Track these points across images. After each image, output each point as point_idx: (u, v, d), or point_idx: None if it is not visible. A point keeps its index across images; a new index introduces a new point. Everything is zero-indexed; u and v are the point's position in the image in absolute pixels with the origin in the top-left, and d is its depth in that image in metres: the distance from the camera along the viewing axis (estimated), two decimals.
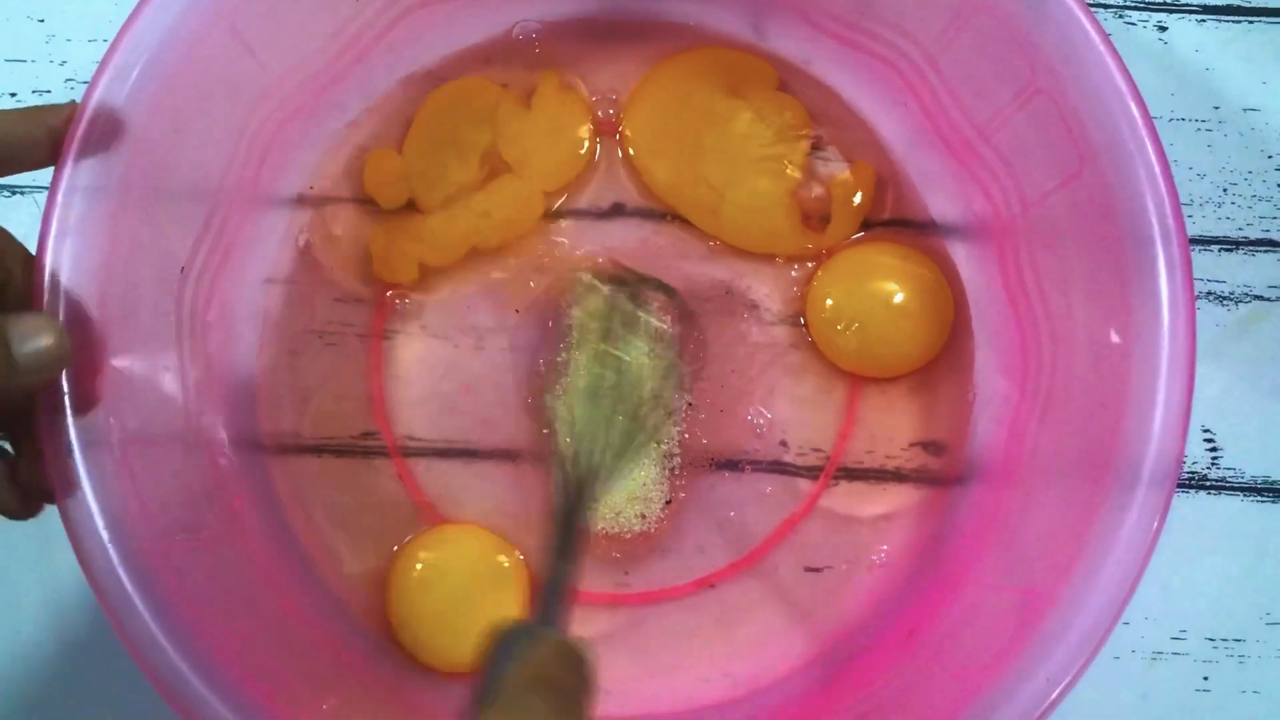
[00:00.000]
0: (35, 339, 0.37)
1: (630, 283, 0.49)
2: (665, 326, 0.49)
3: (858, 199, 0.52)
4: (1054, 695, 0.39)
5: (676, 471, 0.51)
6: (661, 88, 0.53)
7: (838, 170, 0.53)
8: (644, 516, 0.51)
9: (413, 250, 0.52)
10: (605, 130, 0.53)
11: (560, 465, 0.43)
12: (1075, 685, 0.39)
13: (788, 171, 0.52)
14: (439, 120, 0.52)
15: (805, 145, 0.52)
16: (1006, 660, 0.40)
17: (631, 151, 0.53)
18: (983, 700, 0.40)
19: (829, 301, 0.51)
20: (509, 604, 0.50)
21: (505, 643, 0.37)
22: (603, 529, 0.51)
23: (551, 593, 0.40)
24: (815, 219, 0.52)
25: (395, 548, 0.51)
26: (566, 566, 0.40)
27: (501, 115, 0.52)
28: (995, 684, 0.40)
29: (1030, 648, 0.40)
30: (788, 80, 0.53)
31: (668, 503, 0.51)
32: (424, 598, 0.50)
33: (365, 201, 0.53)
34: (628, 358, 0.46)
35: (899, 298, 0.51)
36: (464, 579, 0.50)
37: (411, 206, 0.52)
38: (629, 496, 0.50)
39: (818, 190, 0.53)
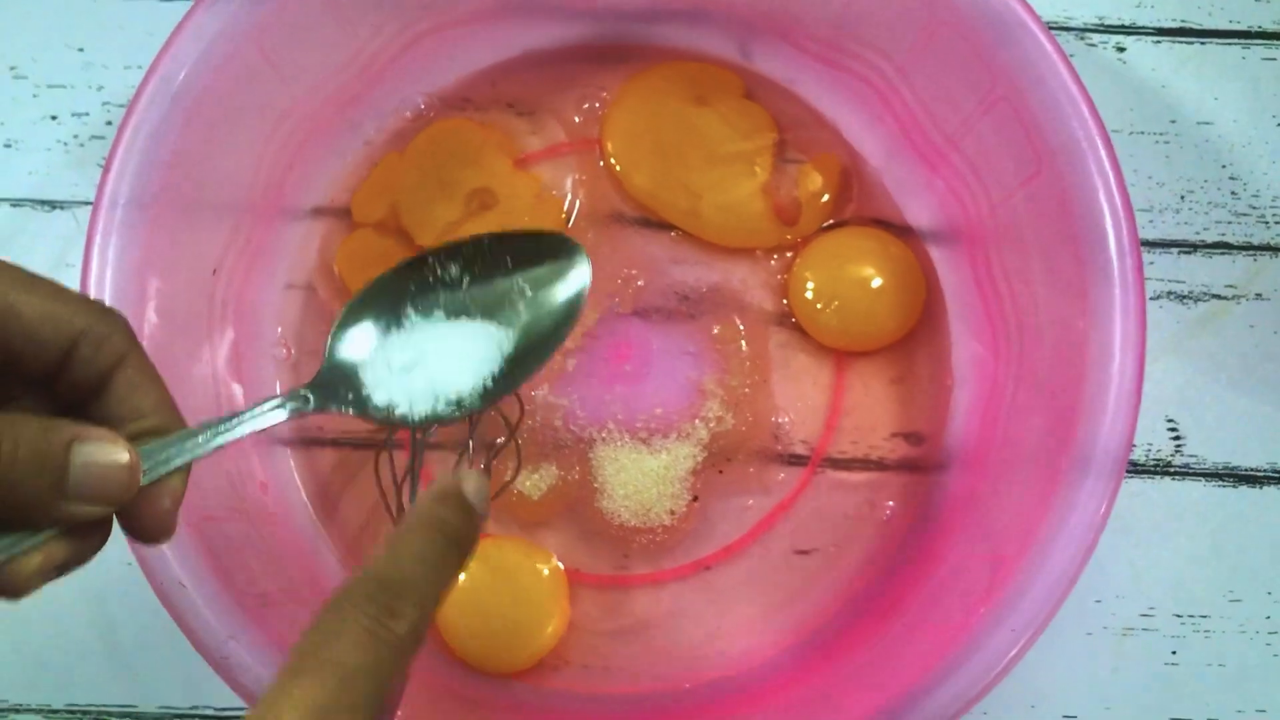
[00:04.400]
0: (104, 455, 0.29)
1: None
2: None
3: (824, 194, 0.56)
4: (1019, 645, 0.42)
5: (699, 469, 0.54)
6: (635, 101, 0.57)
7: (804, 165, 0.56)
8: (673, 512, 0.54)
9: None
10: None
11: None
12: (1039, 638, 0.43)
13: (756, 170, 0.56)
14: (426, 160, 0.56)
15: (770, 144, 0.56)
16: (976, 619, 0.43)
17: (613, 162, 0.56)
18: (956, 651, 0.43)
19: (810, 284, 0.55)
20: (551, 609, 0.52)
21: None
22: (634, 524, 0.54)
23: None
24: (787, 212, 0.56)
25: None
26: None
27: (487, 159, 0.56)
28: (967, 637, 0.43)
29: (997, 605, 0.43)
30: (763, 93, 0.57)
31: (695, 499, 0.54)
32: (471, 606, 0.52)
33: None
34: None
35: (873, 276, 0.54)
36: (509, 588, 0.52)
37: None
38: (659, 495, 0.54)
39: (787, 185, 0.56)
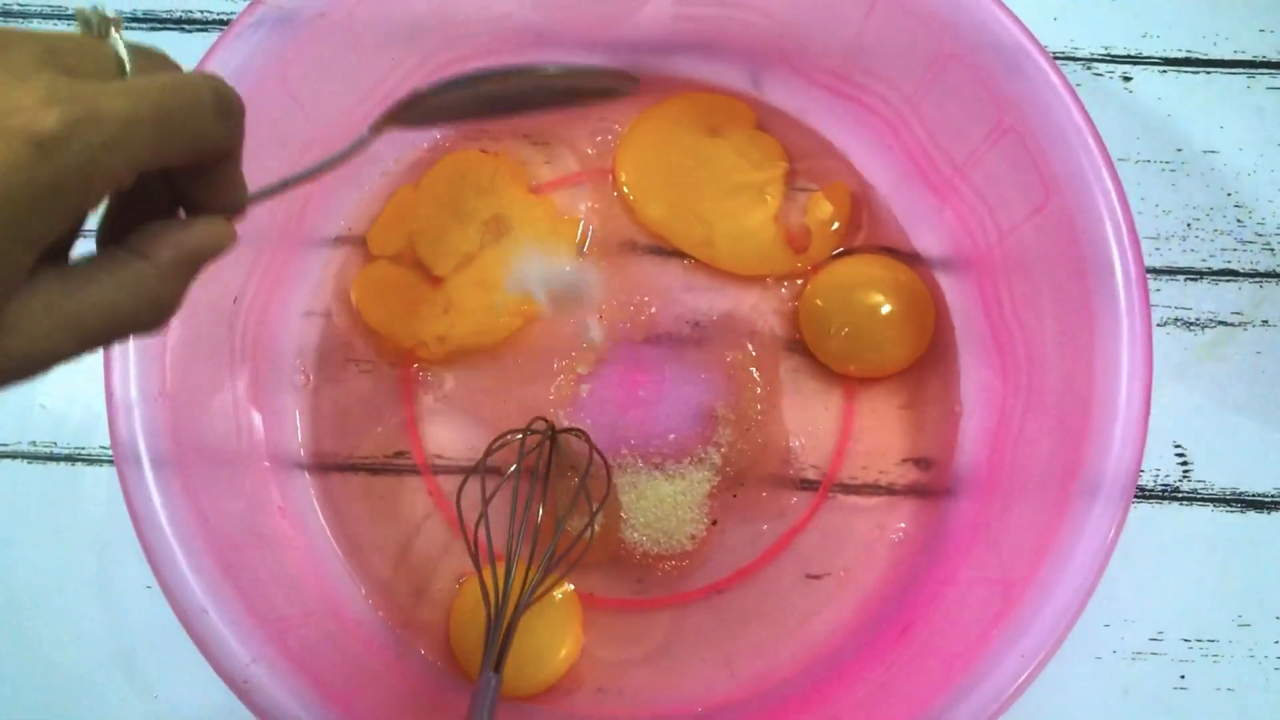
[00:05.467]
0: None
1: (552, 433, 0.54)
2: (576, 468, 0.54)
3: (834, 222, 0.57)
4: (1029, 670, 0.43)
5: (714, 494, 0.55)
6: (648, 132, 0.58)
7: (815, 194, 0.57)
8: (694, 537, 0.54)
9: (434, 325, 0.56)
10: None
11: (487, 595, 0.49)
12: (1048, 663, 0.43)
13: (767, 198, 0.57)
14: (441, 191, 0.57)
15: (781, 174, 0.57)
16: (987, 642, 0.44)
17: (626, 191, 0.57)
18: (967, 675, 0.43)
19: (820, 311, 0.55)
20: (564, 633, 0.53)
21: None
22: (658, 552, 0.54)
23: (483, 698, 0.46)
24: (798, 240, 0.57)
25: (458, 583, 0.54)
26: (495, 676, 0.47)
27: (500, 187, 0.57)
28: (978, 661, 0.43)
29: (1006, 631, 0.43)
30: (773, 123, 0.58)
31: (714, 522, 0.55)
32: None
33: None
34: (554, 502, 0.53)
35: (882, 303, 0.55)
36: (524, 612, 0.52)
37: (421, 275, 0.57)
38: (679, 521, 0.54)
39: (797, 214, 0.57)
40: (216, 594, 0.44)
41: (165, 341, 0.46)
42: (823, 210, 0.56)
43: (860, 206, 0.57)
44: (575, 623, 0.53)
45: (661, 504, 0.54)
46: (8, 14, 0.60)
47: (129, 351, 0.45)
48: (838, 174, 0.57)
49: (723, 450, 0.55)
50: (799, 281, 0.57)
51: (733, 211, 0.57)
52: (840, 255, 0.57)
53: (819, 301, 0.56)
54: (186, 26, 0.60)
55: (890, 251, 0.57)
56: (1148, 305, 0.45)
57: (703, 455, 0.55)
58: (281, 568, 0.50)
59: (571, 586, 0.54)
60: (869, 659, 0.51)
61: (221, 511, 0.47)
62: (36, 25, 0.60)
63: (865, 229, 0.57)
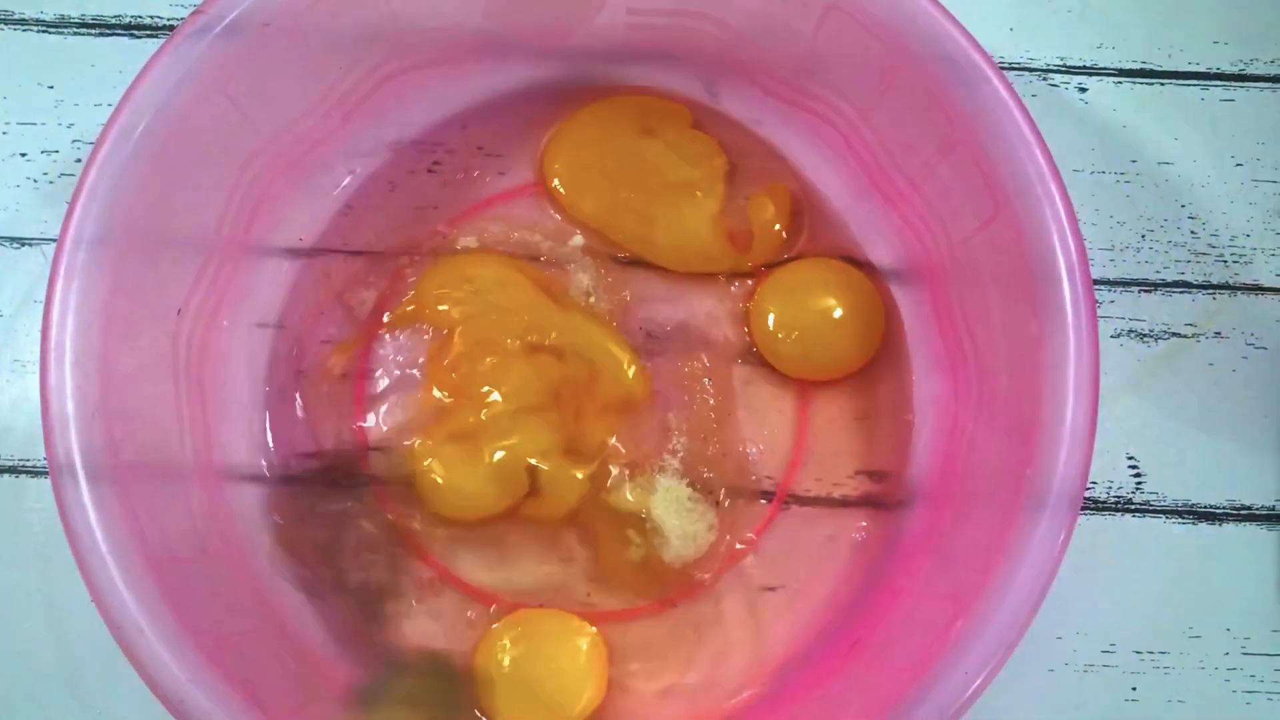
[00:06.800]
0: None
1: None
2: None
3: (776, 222, 0.56)
4: (975, 684, 0.42)
5: (670, 506, 0.54)
6: (579, 131, 0.57)
7: (755, 195, 0.57)
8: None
9: None
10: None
11: None
12: (992, 681, 0.43)
13: (703, 194, 0.56)
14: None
15: (720, 170, 0.57)
16: (932, 658, 0.43)
17: (556, 183, 0.57)
18: (916, 688, 0.43)
19: (771, 315, 0.55)
20: (590, 684, 0.52)
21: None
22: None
23: None
24: (741, 238, 0.57)
25: (484, 634, 0.53)
26: None
27: None
28: (927, 674, 0.43)
29: (952, 646, 0.43)
30: (725, 131, 0.58)
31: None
32: (514, 686, 0.52)
33: (352, 254, 0.57)
34: None
35: (834, 306, 0.55)
36: (549, 664, 0.52)
37: None
38: (635, 531, 0.54)
39: (738, 213, 0.57)
40: (153, 611, 0.43)
41: (102, 355, 0.45)
42: (765, 211, 0.56)
43: (801, 206, 0.57)
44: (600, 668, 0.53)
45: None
46: None
47: (65, 364, 0.45)
48: (778, 175, 0.57)
49: (676, 461, 0.55)
50: (749, 282, 0.57)
51: (670, 207, 0.56)
52: (788, 259, 0.57)
53: (769, 306, 0.55)
54: (136, 32, 0.59)
55: (844, 260, 0.57)
56: (1094, 318, 0.45)
57: (660, 466, 0.55)
58: (226, 584, 0.49)
59: (595, 630, 0.53)
60: (819, 675, 0.51)
61: (163, 527, 0.46)
62: None
63: (808, 230, 0.57)
